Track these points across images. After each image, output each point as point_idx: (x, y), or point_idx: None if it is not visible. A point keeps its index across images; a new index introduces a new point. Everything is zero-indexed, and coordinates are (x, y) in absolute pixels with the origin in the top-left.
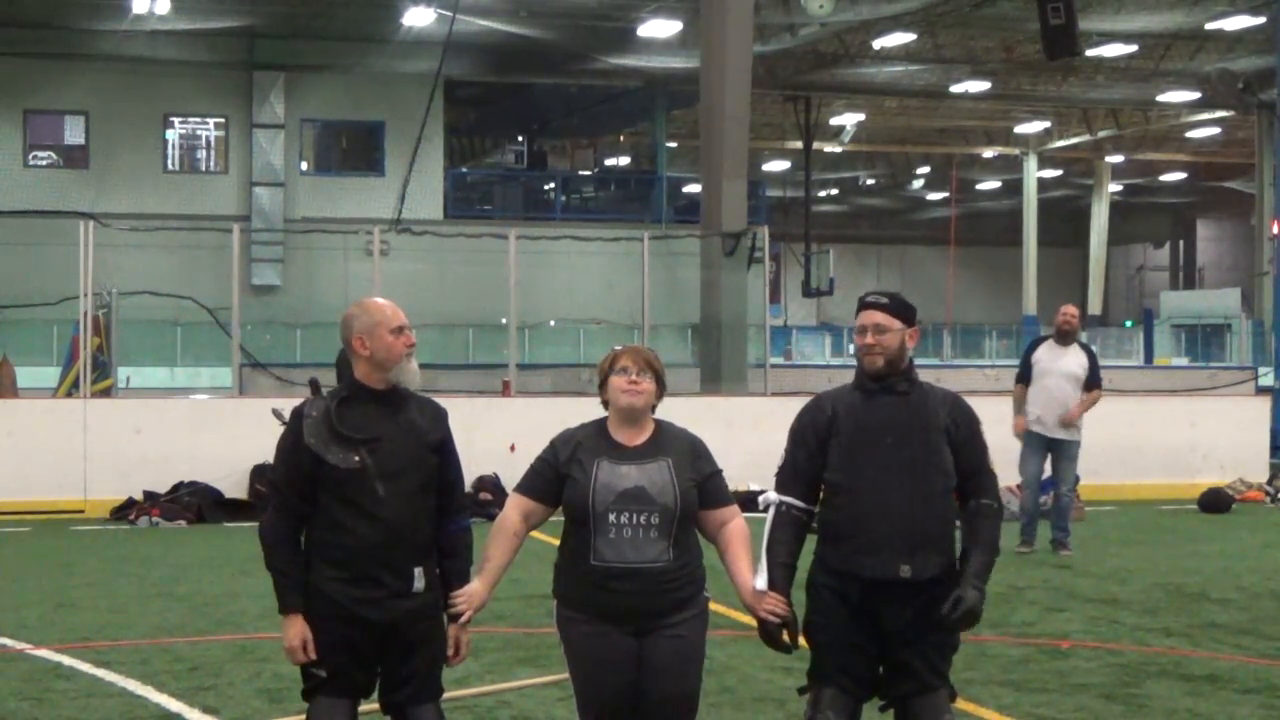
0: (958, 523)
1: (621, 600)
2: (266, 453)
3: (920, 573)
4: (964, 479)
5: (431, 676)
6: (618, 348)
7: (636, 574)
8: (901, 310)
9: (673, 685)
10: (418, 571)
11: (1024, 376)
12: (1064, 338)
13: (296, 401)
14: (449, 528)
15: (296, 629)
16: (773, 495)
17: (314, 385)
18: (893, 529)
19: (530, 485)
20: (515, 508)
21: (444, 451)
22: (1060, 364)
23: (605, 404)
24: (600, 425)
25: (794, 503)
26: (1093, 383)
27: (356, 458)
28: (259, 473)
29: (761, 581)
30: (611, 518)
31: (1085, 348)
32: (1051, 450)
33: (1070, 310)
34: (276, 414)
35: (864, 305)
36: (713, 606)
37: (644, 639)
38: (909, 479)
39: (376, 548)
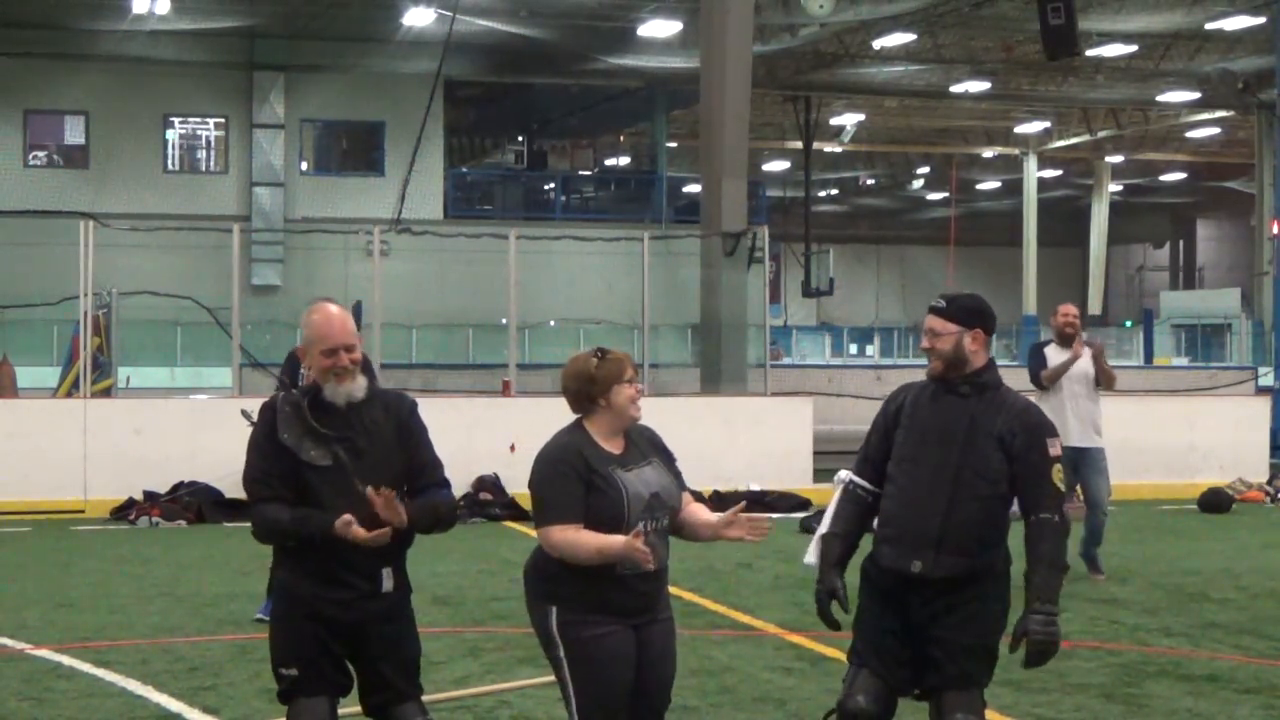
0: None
1: (640, 599)
2: None
3: (931, 570)
4: (1020, 492)
5: (409, 676)
6: (607, 352)
7: (658, 573)
8: (959, 314)
9: (668, 669)
10: (386, 572)
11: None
12: (1067, 340)
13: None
14: (430, 492)
15: (342, 524)
16: (845, 473)
17: (281, 382)
18: (913, 525)
19: (572, 509)
20: (562, 530)
21: (406, 436)
22: (1077, 368)
23: (592, 406)
24: (585, 433)
25: (860, 482)
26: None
27: (330, 455)
28: None
29: (811, 557)
30: (640, 525)
31: (1090, 344)
32: (1076, 463)
33: (1070, 310)
34: (245, 415)
35: (928, 309)
36: (712, 606)
37: (640, 630)
38: (941, 479)
39: (345, 548)
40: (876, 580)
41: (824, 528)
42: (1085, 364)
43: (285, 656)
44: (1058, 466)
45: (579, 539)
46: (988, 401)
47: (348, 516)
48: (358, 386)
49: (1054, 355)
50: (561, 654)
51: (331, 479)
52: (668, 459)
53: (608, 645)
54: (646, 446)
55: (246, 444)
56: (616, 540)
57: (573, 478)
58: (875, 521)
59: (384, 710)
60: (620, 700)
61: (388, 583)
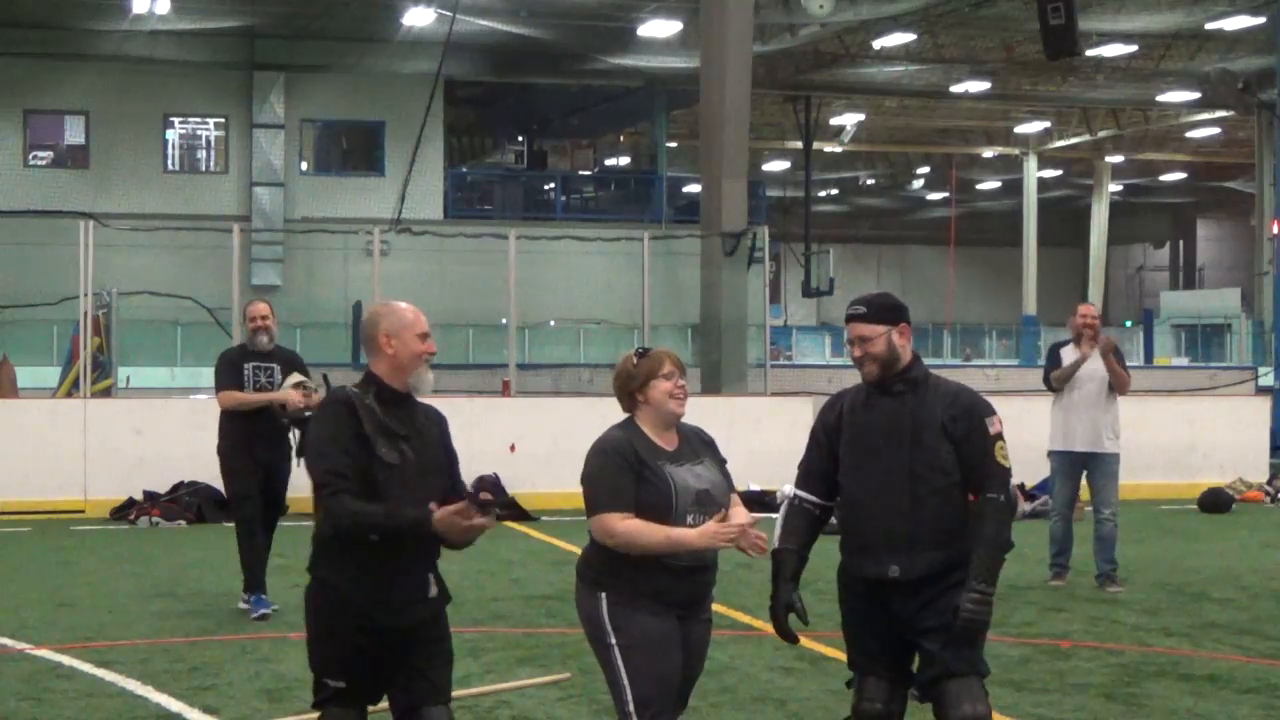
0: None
1: (692, 590)
2: None
3: (909, 572)
4: (967, 474)
5: (445, 678)
6: (649, 350)
7: (706, 567)
8: (880, 313)
9: (701, 665)
10: (431, 578)
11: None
12: (1092, 339)
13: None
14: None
15: (440, 516)
16: (789, 489)
17: (325, 378)
18: (881, 531)
19: (624, 497)
20: (623, 518)
21: (451, 454)
22: (1088, 370)
23: (633, 403)
24: (637, 429)
25: (806, 496)
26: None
27: (398, 454)
28: None
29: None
30: (690, 519)
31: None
32: (1087, 468)
33: (1089, 310)
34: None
35: (847, 319)
36: (712, 606)
37: (684, 624)
38: (899, 480)
39: (401, 550)
40: (854, 588)
41: (774, 543)
42: (1098, 366)
43: (332, 668)
44: (1000, 444)
45: (646, 527)
46: (923, 395)
47: (451, 507)
48: (432, 378)
49: (1069, 357)
50: (613, 641)
51: (398, 477)
52: (719, 460)
53: (660, 630)
54: (699, 445)
55: (312, 436)
56: (690, 533)
57: (624, 467)
58: (840, 532)
59: (416, 710)
60: (672, 686)
61: (433, 588)
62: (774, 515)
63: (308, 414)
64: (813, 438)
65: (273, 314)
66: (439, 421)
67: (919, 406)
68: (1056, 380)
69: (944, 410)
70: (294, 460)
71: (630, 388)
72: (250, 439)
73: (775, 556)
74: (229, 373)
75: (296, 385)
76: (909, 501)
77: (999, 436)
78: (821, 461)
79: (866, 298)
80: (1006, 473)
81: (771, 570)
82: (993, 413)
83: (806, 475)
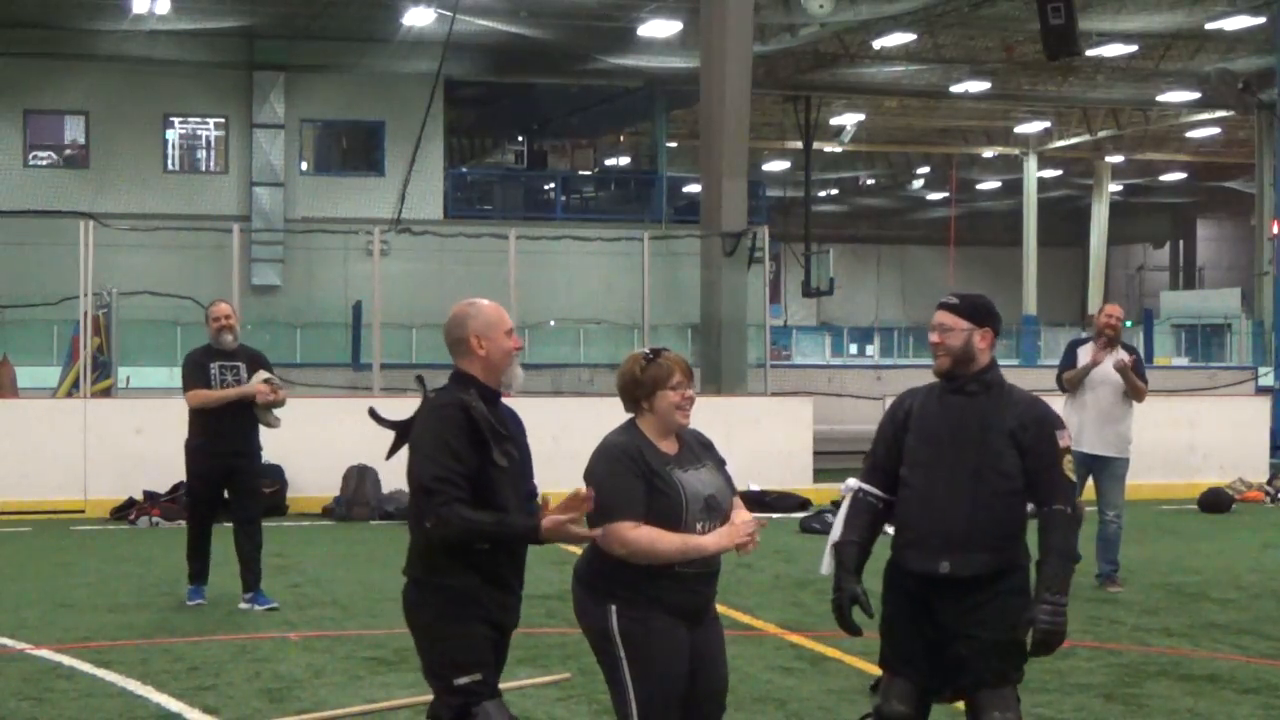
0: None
1: (699, 598)
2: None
3: (960, 570)
4: (1032, 484)
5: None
6: (659, 354)
7: (714, 574)
8: (970, 311)
9: (724, 669)
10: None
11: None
12: (1109, 341)
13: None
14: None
15: (549, 525)
16: (853, 482)
17: (420, 380)
18: (937, 526)
19: (637, 505)
20: (634, 527)
21: (526, 438)
22: (1105, 373)
23: (638, 407)
24: (640, 433)
25: (870, 489)
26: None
27: (506, 456)
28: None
29: (826, 567)
30: (699, 526)
31: (1129, 349)
32: (1094, 469)
33: (1115, 311)
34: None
35: (938, 305)
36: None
37: (694, 632)
38: (961, 479)
39: (513, 552)
40: (901, 584)
41: (835, 536)
42: (1113, 372)
43: (466, 662)
44: (1068, 457)
45: (661, 535)
46: (995, 399)
47: (561, 516)
48: (521, 372)
49: (1086, 356)
50: (621, 653)
51: (509, 479)
52: (719, 462)
53: (668, 641)
54: (699, 448)
55: (421, 440)
56: (705, 539)
57: (634, 474)
58: (894, 527)
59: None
60: (678, 697)
61: (522, 586)
62: (772, 515)
63: (279, 407)
64: (880, 432)
65: (235, 313)
66: (518, 420)
67: (990, 409)
68: (1068, 382)
69: (1014, 417)
70: (260, 459)
71: (636, 394)
72: (215, 440)
73: (838, 549)
74: (195, 373)
75: (265, 382)
76: (969, 501)
77: (1067, 450)
78: (887, 456)
79: (964, 293)
80: (1072, 486)
81: (834, 562)
82: (1062, 426)
83: (872, 469)
